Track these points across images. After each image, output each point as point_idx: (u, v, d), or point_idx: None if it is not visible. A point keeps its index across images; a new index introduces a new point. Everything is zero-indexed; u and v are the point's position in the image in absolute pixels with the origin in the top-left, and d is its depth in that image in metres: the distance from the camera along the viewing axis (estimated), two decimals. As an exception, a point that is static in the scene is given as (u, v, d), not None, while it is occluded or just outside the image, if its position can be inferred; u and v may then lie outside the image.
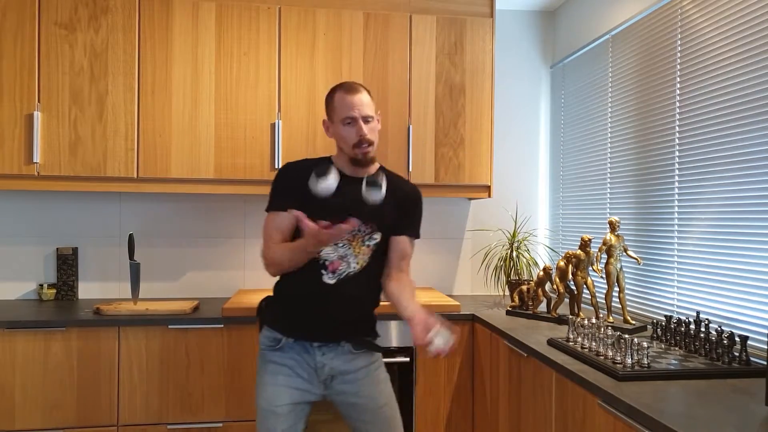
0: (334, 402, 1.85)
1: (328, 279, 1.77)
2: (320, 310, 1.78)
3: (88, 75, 2.57)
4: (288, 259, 1.74)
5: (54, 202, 2.90)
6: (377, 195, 1.72)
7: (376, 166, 1.89)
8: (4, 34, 2.51)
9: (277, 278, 1.87)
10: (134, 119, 2.59)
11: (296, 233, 1.80)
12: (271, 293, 1.90)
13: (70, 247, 2.86)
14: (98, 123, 2.57)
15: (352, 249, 1.79)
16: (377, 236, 1.82)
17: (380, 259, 1.86)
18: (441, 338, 1.56)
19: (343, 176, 1.82)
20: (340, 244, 1.78)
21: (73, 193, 2.91)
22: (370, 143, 1.77)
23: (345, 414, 1.85)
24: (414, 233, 1.91)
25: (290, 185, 1.80)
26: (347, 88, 1.79)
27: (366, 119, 1.77)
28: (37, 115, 2.52)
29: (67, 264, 2.83)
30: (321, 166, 1.73)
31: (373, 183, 1.72)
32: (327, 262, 1.77)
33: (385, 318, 2.50)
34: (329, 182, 1.70)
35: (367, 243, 1.81)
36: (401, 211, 1.86)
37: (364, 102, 1.77)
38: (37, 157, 2.53)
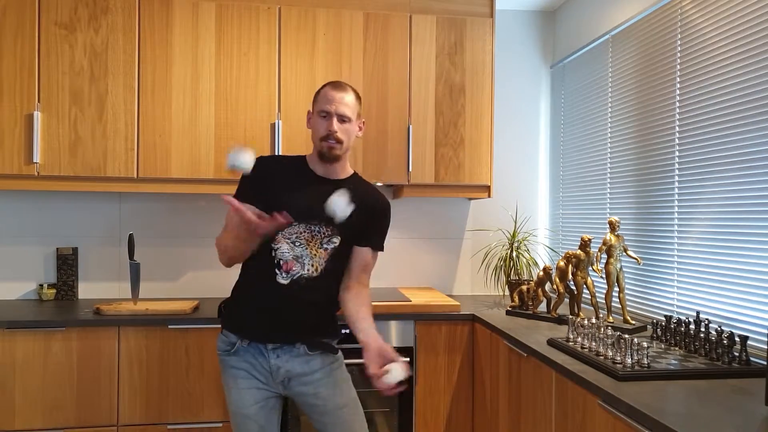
0: (295, 401, 1.84)
1: (282, 279, 1.75)
2: (273, 310, 1.76)
3: (88, 75, 2.57)
4: (231, 246, 1.70)
5: (54, 202, 2.90)
6: (340, 210, 1.67)
7: (349, 171, 1.88)
8: (4, 34, 2.52)
9: (237, 278, 1.87)
10: (134, 119, 2.59)
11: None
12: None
13: (70, 247, 2.86)
14: (98, 123, 2.57)
15: (308, 250, 1.76)
16: (336, 240, 1.79)
17: (339, 266, 1.83)
18: (393, 374, 1.53)
19: (312, 175, 1.82)
20: (297, 244, 1.75)
21: (73, 193, 2.91)
22: (338, 141, 1.76)
23: (307, 413, 1.84)
24: (378, 245, 1.89)
25: (258, 178, 1.78)
26: (334, 84, 1.81)
27: (342, 118, 1.77)
28: (37, 115, 2.52)
29: (67, 264, 2.83)
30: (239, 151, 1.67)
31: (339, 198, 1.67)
32: (282, 262, 1.75)
33: (385, 318, 2.50)
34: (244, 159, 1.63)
35: (324, 246, 1.78)
36: (368, 220, 1.83)
37: (344, 101, 1.77)
38: (37, 157, 2.53)
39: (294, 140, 2.69)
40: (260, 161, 1.81)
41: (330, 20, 2.73)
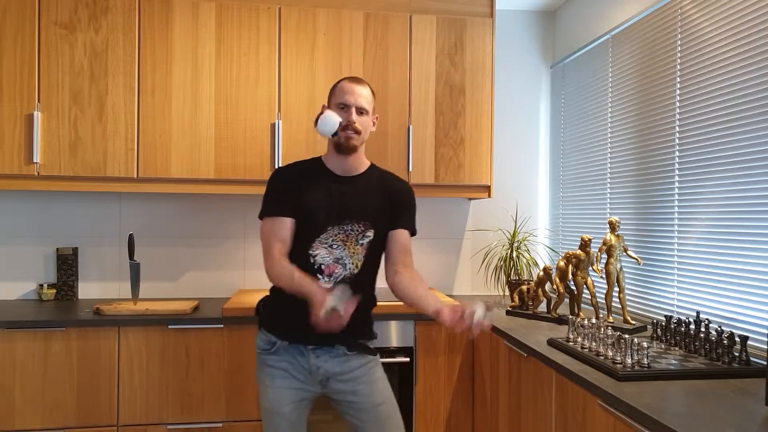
0: (333, 400, 1.86)
1: (325, 283, 1.76)
2: None
3: (88, 75, 2.57)
4: (288, 288, 1.71)
5: (54, 202, 2.90)
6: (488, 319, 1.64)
7: (366, 163, 1.90)
8: (4, 34, 2.51)
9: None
10: (134, 119, 2.59)
11: (295, 238, 1.80)
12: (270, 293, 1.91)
13: (70, 247, 2.86)
14: (98, 123, 2.57)
15: (346, 249, 1.79)
16: (370, 234, 1.82)
17: (376, 257, 1.87)
18: (478, 312, 1.52)
19: (333, 177, 1.84)
20: (335, 246, 1.78)
21: (73, 193, 2.91)
22: (357, 131, 1.79)
23: (344, 412, 1.86)
24: (410, 227, 1.90)
25: (284, 190, 1.80)
26: (352, 78, 1.85)
27: (360, 110, 1.80)
28: (37, 115, 2.52)
29: (67, 264, 2.83)
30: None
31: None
32: (323, 266, 1.78)
33: (385, 318, 2.50)
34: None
35: (360, 242, 1.81)
36: (394, 207, 1.86)
37: (362, 93, 1.81)
38: (37, 157, 2.53)
39: (294, 140, 2.69)
40: (282, 173, 1.86)
41: (330, 20, 2.73)
